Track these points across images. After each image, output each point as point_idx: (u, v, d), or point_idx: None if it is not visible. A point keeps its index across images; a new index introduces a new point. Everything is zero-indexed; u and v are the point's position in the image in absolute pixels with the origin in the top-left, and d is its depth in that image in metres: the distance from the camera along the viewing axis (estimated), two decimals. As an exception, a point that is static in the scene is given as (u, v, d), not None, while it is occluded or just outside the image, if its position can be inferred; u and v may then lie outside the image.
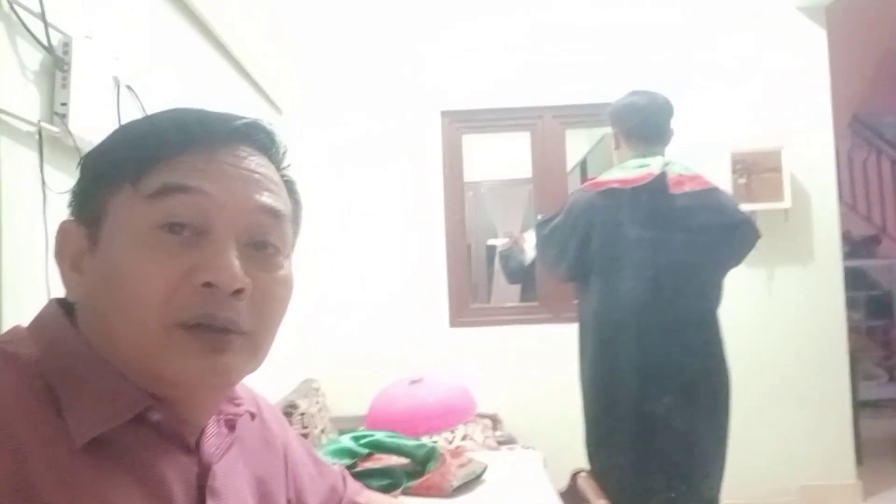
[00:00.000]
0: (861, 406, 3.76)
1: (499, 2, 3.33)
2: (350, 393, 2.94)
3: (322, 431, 2.30)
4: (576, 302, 2.17)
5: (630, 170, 2.01)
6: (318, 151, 3.17)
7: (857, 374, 4.05)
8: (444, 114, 3.32)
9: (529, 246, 3.66)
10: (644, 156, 2.04)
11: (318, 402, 2.48)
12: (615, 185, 1.97)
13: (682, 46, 3.30)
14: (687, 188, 1.99)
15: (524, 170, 3.58)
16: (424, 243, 3.28)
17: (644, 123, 2.06)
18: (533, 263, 3.59)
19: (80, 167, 0.62)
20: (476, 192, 4.96)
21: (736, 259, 2.10)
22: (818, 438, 3.23)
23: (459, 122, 3.34)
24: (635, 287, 1.93)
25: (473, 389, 2.95)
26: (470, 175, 3.44)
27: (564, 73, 3.30)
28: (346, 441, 1.37)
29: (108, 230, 0.58)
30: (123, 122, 1.37)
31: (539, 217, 2.31)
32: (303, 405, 2.17)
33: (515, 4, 3.33)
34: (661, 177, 1.97)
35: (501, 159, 4.52)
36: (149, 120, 0.64)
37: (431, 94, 3.30)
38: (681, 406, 1.94)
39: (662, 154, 2.08)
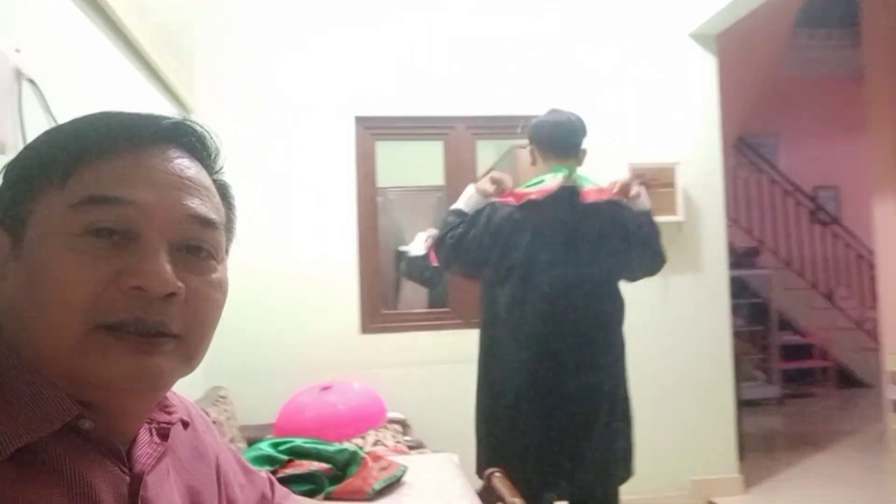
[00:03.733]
0: (743, 405, 4.05)
1: (414, 12, 3.37)
2: (258, 401, 2.88)
3: (231, 440, 2.25)
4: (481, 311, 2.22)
5: (539, 184, 2.13)
6: (230, 153, 3.08)
7: (740, 375, 4.37)
8: (359, 119, 3.32)
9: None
10: (555, 171, 2.15)
11: (226, 411, 2.42)
12: (533, 197, 2.08)
13: (587, 67, 3.47)
14: (596, 198, 2.13)
15: (433, 177, 3.64)
16: (336, 249, 3.25)
17: (558, 140, 2.18)
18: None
19: (2, 173, 0.60)
20: (385, 198, 4.97)
21: (631, 270, 2.24)
22: (706, 436, 3.46)
23: (373, 129, 3.35)
24: (549, 291, 2.03)
25: (383, 395, 2.97)
26: (381, 181, 3.45)
27: (476, 86, 3.39)
28: (266, 448, 1.36)
29: (32, 236, 0.56)
30: (25, 116, 1.32)
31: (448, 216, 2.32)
32: (213, 414, 2.12)
33: (431, 16, 3.38)
34: (572, 187, 2.09)
35: (410, 166, 4.56)
36: (74, 123, 0.61)
37: (346, 99, 3.29)
38: (585, 408, 2.05)
39: (568, 169, 2.20)
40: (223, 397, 2.50)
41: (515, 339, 2.06)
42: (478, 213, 2.14)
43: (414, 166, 4.50)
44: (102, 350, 0.54)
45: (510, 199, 2.12)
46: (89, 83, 1.73)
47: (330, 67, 3.28)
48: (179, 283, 0.57)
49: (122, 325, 0.55)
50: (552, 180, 2.11)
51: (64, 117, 0.63)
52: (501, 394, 2.07)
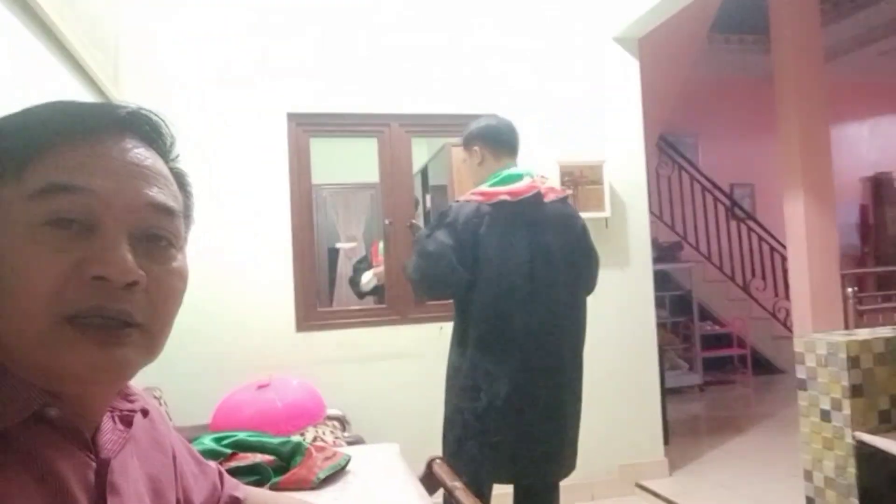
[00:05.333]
0: (667, 393, 4.25)
1: (348, 10, 3.38)
2: (192, 402, 2.83)
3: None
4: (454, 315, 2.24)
5: (510, 183, 2.19)
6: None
7: (665, 364, 4.58)
8: (291, 116, 3.30)
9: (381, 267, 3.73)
10: (508, 167, 2.25)
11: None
12: (505, 198, 2.13)
13: (518, 68, 3.56)
14: (553, 196, 2.24)
15: (367, 174, 3.65)
16: (270, 247, 3.23)
17: (506, 141, 2.30)
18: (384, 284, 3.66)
19: None
20: (318, 195, 4.95)
21: (590, 269, 2.36)
22: (634, 422, 3.62)
23: (306, 125, 3.33)
24: (523, 291, 2.09)
25: (322, 392, 2.97)
26: (314, 178, 3.44)
27: (411, 84, 3.43)
28: (209, 442, 1.36)
29: None
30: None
31: (415, 230, 2.37)
32: (147, 414, 2.08)
33: (365, 14, 3.39)
34: (538, 191, 2.19)
35: (345, 163, 4.56)
36: (28, 112, 0.61)
37: (277, 95, 3.26)
38: (551, 401, 2.14)
39: (516, 165, 2.31)
40: (156, 398, 2.45)
41: (492, 339, 2.10)
42: (443, 213, 2.17)
43: (349, 163, 4.51)
44: (68, 343, 0.55)
45: (478, 198, 2.16)
46: (9, 77, 1.67)
47: (262, 63, 3.25)
48: (140, 272, 0.57)
49: (84, 314, 0.55)
50: (523, 183, 2.18)
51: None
52: (482, 394, 2.10)
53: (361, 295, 4.41)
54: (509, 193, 2.14)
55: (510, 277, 2.09)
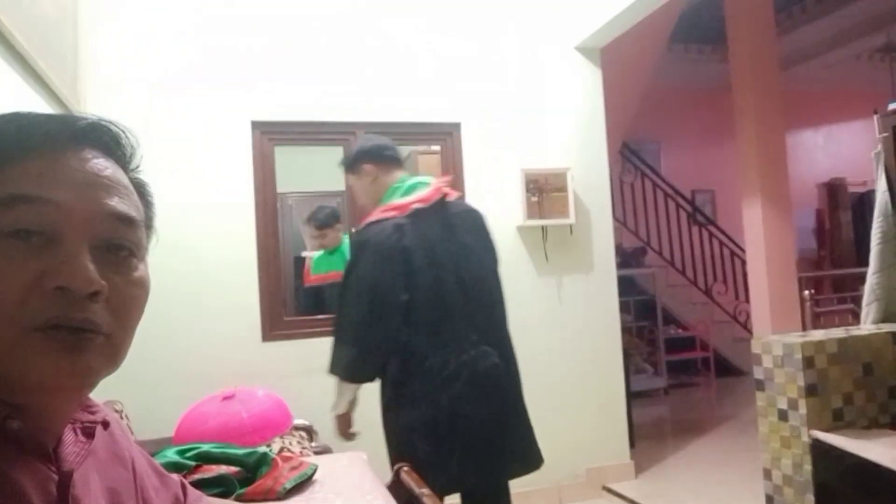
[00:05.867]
0: (633, 396, 4.31)
1: (310, 22, 3.38)
2: (155, 414, 2.78)
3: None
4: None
5: (419, 190, 2.21)
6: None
7: (630, 368, 4.64)
8: (255, 124, 3.27)
9: None
10: (403, 179, 2.27)
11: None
12: (418, 205, 2.14)
13: (483, 78, 3.60)
14: (453, 196, 2.30)
15: (333, 182, 3.64)
16: (235, 256, 3.19)
17: (391, 155, 2.31)
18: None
19: None
20: (284, 203, 4.92)
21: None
22: (600, 426, 3.66)
23: (271, 134, 3.31)
24: (453, 297, 2.11)
25: (288, 402, 2.95)
26: (280, 187, 3.42)
27: (375, 93, 3.43)
28: (172, 455, 1.34)
29: None
30: None
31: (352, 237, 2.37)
32: (108, 428, 2.03)
33: (326, 26, 3.39)
34: (441, 189, 2.23)
35: (310, 171, 4.54)
36: None
37: (241, 102, 3.24)
38: (492, 408, 2.14)
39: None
40: (118, 411, 2.40)
41: (426, 347, 2.09)
42: (362, 244, 2.13)
43: (315, 171, 4.48)
44: (34, 351, 0.55)
45: (392, 213, 2.14)
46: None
47: (224, 71, 3.23)
48: (102, 282, 0.58)
49: (48, 323, 0.55)
50: (429, 188, 2.20)
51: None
52: (418, 401, 2.11)
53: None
54: (421, 201, 2.17)
55: (443, 282, 2.10)
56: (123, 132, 0.67)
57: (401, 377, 2.13)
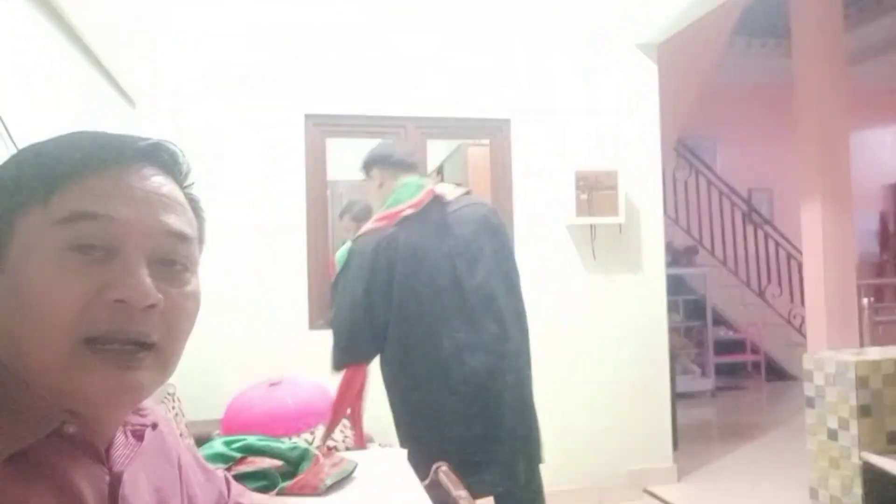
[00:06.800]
0: (678, 397, 4.24)
1: (364, 17, 3.39)
2: (205, 398, 2.87)
3: (180, 436, 2.25)
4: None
5: (410, 195, 2.15)
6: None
7: (676, 369, 4.57)
8: (308, 117, 3.32)
9: None
10: (406, 184, 2.21)
11: (174, 408, 2.42)
12: (408, 212, 2.10)
13: (534, 77, 3.56)
14: (455, 195, 2.21)
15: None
16: (285, 245, 3.26)
17: (400, 160, 2.28)
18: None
19: None
20: (334, 190, 4.98)
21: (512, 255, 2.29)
22: (643, 427, 3.62)
23: (323, 126, 3.36)
24: (451, 299, 2.07)
25: (332, 390, 3.00)
26: (330, 174, 3.47)
27: (427, 87, 3.44)
28: (219, 446, 1.39)
29: (16, 252, 0.59)
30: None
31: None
32: (161, 411, 2.11)
33: (380, 21, 3.41)
34: (439, 193, 2.17)
35: (361, 159, 4.57)
36: (55, 143, 0.64)
37: (295, 96, 3.29)
38: (491, 406, 2.10)
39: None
40: (171, 394, 2.49)
41: (426, 354, 2.08)
42: (352, 252, 2.14)
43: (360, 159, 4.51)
44: (86, 367, 0.58)
45: (382, 223, 2.12)
46: (29, 73, 1.70)
47: (280, 64, 3.28)
48: (159, 295, 0.60)
49: (106, 336, 0.58)
50: (421, 192, 2.15)
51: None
52: (421, 403, 2.12)
53: None
54: (411, 206, 2.12)
55: (435, 288, 2.06)
56: (180, 151, 0.69)
57: (397, 380, 2.17)
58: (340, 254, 4.19)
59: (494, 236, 2.20)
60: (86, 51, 2.09)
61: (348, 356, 2.17)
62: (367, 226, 2.19)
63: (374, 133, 3.50)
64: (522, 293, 2.24)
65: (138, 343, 0.60)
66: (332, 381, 2.99)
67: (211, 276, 3.08)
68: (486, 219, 2.20)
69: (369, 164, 2.32)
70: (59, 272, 0.58)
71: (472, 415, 2.07)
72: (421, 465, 1.60)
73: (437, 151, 4.51)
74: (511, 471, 2.13)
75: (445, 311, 2.07)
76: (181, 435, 2.21)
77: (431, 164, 3.81)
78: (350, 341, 2.14)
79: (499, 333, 2.12)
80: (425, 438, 2.09)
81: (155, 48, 3.08)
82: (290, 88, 3.29)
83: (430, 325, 2.06)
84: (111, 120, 2.54)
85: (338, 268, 2.60)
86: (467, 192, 2.27)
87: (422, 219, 2.11)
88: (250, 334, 3.16)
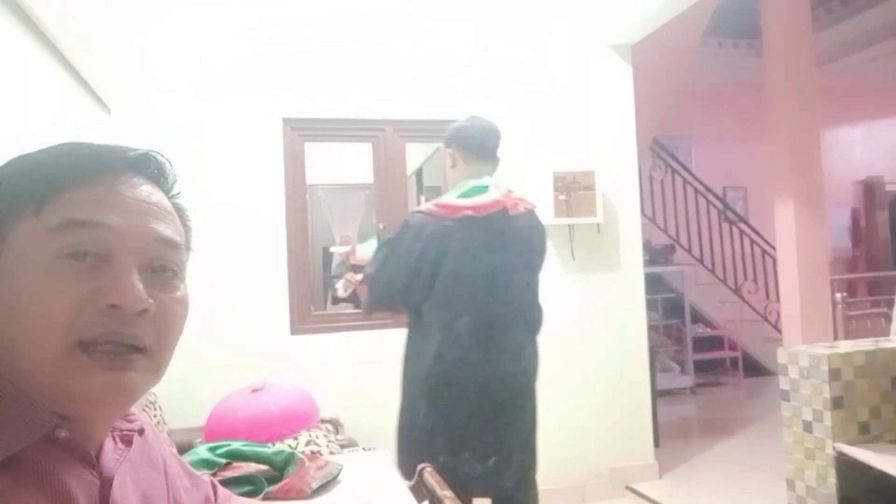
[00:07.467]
0: (658, 395, 4.29)
1: (341, 20, 3.40)
2: (186, 405, 2.85)
3: (161, 445, 2.23)
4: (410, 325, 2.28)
5: (475, 196, 2.17)
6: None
7: (656, 367, 4.62)
8: (286, 121, 3.32)
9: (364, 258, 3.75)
10: (479, 176, 2.22)
11: (155, 416, 2.40)
12: (469, 213, 2.12)
13: (512, 78, 3.59)
14: (521, 209, 2.23)
15: (363, 174, 3.67)
16: (265, 250, 3.25)
17: (480, 146, 2.25)
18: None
19: None
20: (313, 195, 4.98)
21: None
22: (624, 425, 3.65)
23: (301, 130, 3.36)
24: (479, 305, 2.11)
25: (316, 395, 3.00)
26: (309, 178, 3.46)
27: (404, 91, 3.45)
28: (204, 452, 1.39)
29: (8, 259, 0.60)
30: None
31: (380, 233, 2.40)
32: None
33: (356, 25, 3.41)
34: (504, 206, 2.18)
35: (340, 163, 4.58)
36: (46, 153, 0.66)
37: (273, 100, 3.28)
38: (504, 408, 2.17)
39: (491, 175, 2.28)
40: (152, 402, 2.48)
41: (446, 355, 2.12)
42: (406, 224, 2.18)
43: (344, 163, 4.52)
44: (81, 368, 0.60)
45: (442, 211, 2.15)
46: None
47: (257, 68, 3.27)
48: (150, 300, 0.63)
49: (99, 340, 0.60)
50: (488, 195, 2.17)
51: None
52: (439, 399, 2.14)
53: (336, 300, 4.42)
54: (473, 208, 2.13)
55: (472, 293, 2.10)
56: (168, 161, 0.72)
57: (420, 357, 2.21)
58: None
59: (539, 255, 2.29)
60: (60, 56, 2.07)
61: (379, 300, 2.25)
62: (429, 206, 2.20)
63: (352, 137, 3.51)
64: (542, 313, 2.32)
65: (131, 346, 0.62)
66: (314, 386, 3.00)
67: (190, 281, 3.08)
68: (535, 239, 2.27)
69: (448, 141, 2.30)
70: (53, 279, 0.59)
71: (485, 418, 2.12)
72: (419, 460, 1.65)
73: (415, 154, 4.52)
74: (515, 473, 2.17)
75: (480, 312, 2.11)
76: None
77: (410, 167, 3.83)
78: (386, 287, 2.18)
79: (521, 343, 2.20)
80: (433, 431, 2.13)
81: (131, 52, 3.05)
82: (267, 93, 3.28)
83: (464, 319, 2.10)
84: (85, 127, 2.52)
85: (358, 255, 2.68)
86: (530, 210, 2.27)
87: (481, 223, 2.13)
88: (231, 341, 3.14)
